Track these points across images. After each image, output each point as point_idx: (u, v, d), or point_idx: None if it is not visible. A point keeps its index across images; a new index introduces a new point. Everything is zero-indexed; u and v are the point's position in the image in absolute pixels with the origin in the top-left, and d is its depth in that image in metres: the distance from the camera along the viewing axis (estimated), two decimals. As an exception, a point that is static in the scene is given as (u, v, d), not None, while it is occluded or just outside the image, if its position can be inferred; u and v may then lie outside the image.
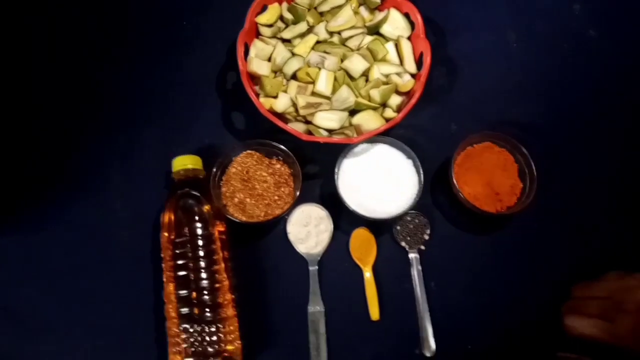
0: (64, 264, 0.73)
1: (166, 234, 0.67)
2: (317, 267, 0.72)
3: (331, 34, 0.77)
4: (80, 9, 0.85)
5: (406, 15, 0.77)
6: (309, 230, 0.73)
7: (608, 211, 0.76)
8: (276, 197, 0.73)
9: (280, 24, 0.79)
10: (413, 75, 0.76)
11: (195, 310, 0.64)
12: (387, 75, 0.75)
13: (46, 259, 0.73)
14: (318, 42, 0.77)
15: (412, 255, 0.73)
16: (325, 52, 0.75)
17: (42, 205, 0.76)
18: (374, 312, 0.71)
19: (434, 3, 0.81)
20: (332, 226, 0.74)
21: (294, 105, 0.73)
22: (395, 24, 0.77)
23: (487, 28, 0.86)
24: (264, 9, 0.77)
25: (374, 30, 0.78)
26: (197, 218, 0.67)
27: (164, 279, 0.67)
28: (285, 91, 0.74)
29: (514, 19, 0.87)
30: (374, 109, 0.74)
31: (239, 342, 0.66)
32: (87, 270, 0.73)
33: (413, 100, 0.71)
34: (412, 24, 0.77)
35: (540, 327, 0.71)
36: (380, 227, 0.75)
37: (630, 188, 0.77)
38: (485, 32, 0.85)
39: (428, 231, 0.74)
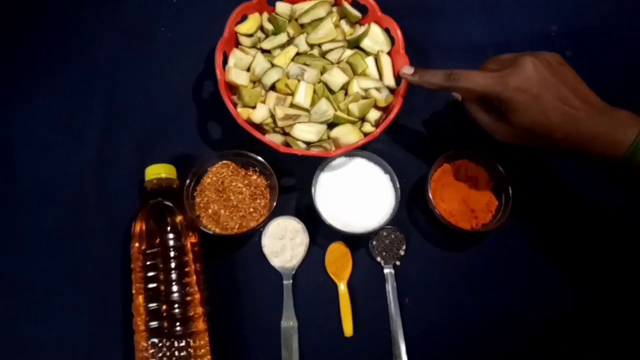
0: (30, 273, 0.71)
1: (137, 245, 0.65)
2: (291, 281, 0.71)
3: (311, 46, 0.77)
4: (57, 12, 0.84)
5: (386, 31, 0.77)
6: (284, 243, 0.72)
7: (583, 229, 0.77)
8: (251, 209, 0.72)
9: (260, 34, 0.78)
10: (392, 91, 0.76)
11: (165, 324, 0.62)
12: (366, 90, 0.75)
13: (12, 268, 0.71)
14: (298, 53, 0.76)
15: (387, 271, 0.73)
16: (305, 64, 0.75)
17: (9, 213, 0.73)
18: (348, 328, 0.70)
19: (415, 20, 0.82)
20: (307, 240, 0.73)
21: (272, 116, 0.73)
22: (375, 38, 0.77)
23: (466, 46, 0.87)
24: (244, 18, 0.77)
25: (354, 44, 0.78)
26: (169, 229, 0.65)
27: (134, 291, 0.65)
28: (263, 102, 0.73)
29: (492, 39, 0.88)
30: (353, 123, 0.74)
31: (209, 357, 0.64)
32: (54, 281, 0.70)
33: (391, 116, 0.71)
34: (393, 40, 0.77)
35: (515, 344, 0.71)
36: (356, 242, 0.74)
37: (605, 205, 0.78)
38: (465, 50, 0.86)
39: (404, 247, 0.74)
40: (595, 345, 0.71)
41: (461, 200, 0.74)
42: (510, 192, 0.72)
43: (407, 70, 0.70)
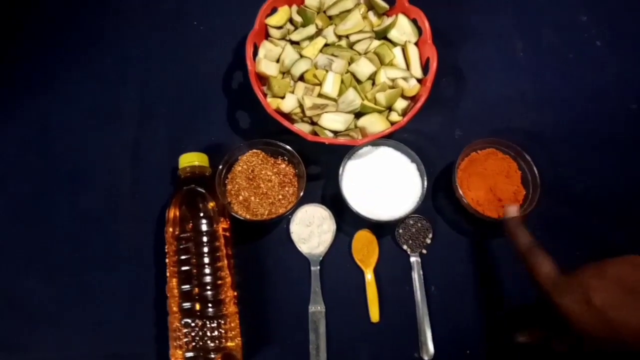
0: (68, 255, 0.74)
1: (171, 229, 0.68)
2: (318, 267, 0.73)
3: (339, 37, 0.78)
4: (94, 4, 0.87)
5: (414, 21, 0.78)
6: (311, 230, 0.74)
7: (611, 219, 0.76)
8: (280, 197, 0.73)
9: (289, 26, 0.80)
10: (419, 80, 0.77)
11: (197, 306, 0.64)
12: (393, 80, 0.76)
13: (50, 250, 0.74)
14: (326, 45, 0.78)
15: (414, 259, 0.74)
16: (333, 55, 0.76)
17: (48, 196, 0.77)
18: (374, 314, 0.71)
19: (442, 11, 0.82)
20: (334, 227, 0.74)
21: (301, 106, 0.74)
22: (402, 29, 0.78)
23: (494, 37, 0.87)
24: (274, 10, 0.78)
25: (382, 35, 0.79)
26: (201, 214, 0.68)
27: (168, 274, 0.67)
28: (292, 92, 0.75)
29: (521, 29, 0.87)
30: (380, 112, 0.74)
31: (240, 338, 0.66)
32: (91, 263, 0.73)
33: (418, 105, 0.72)
34: (420, 30, 0.78)
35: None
36: (382, 230, 0.75)
37: (634, 196, 0.77)
38: (493, 41, 0.86)
39: (430, 235, 0.75)
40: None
41: (488, 189, 0.74)
42: (539, 181, 0.72)
43: (513, 211, 0.66)
